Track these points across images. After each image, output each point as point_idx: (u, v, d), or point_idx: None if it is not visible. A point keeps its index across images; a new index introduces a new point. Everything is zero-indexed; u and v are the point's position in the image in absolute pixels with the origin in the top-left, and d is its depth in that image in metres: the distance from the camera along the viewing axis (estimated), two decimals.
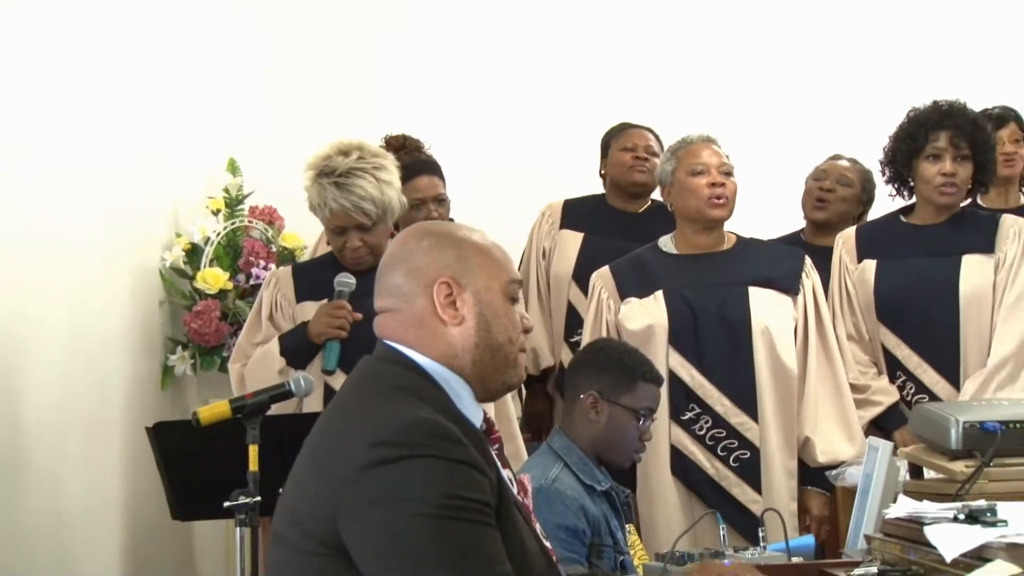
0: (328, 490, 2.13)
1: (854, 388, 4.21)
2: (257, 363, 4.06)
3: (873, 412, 4.19)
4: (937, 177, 4.22)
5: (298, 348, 4.00)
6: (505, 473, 2.30)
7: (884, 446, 3.34)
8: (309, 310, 4.05)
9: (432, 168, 4.82)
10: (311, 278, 4.17)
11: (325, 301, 4.01)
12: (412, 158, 4.85)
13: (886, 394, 4.20)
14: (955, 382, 4.20)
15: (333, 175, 3.95)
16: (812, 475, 4.10)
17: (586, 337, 4.25)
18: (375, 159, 4.02)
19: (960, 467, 3.47)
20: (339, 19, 6.09)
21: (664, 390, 3.77)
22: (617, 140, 5.05)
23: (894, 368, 4.25)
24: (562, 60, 6.28)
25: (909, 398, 4.19)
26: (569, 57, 6.28)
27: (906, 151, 4.27)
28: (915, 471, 3.80)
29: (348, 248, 4.02)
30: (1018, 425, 3.54)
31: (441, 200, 4.71)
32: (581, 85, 6.22)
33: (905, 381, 4.23)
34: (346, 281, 3.99)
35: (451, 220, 4.33)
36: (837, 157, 5.02)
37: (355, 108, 5.88)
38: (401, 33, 6.16)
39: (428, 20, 6.20)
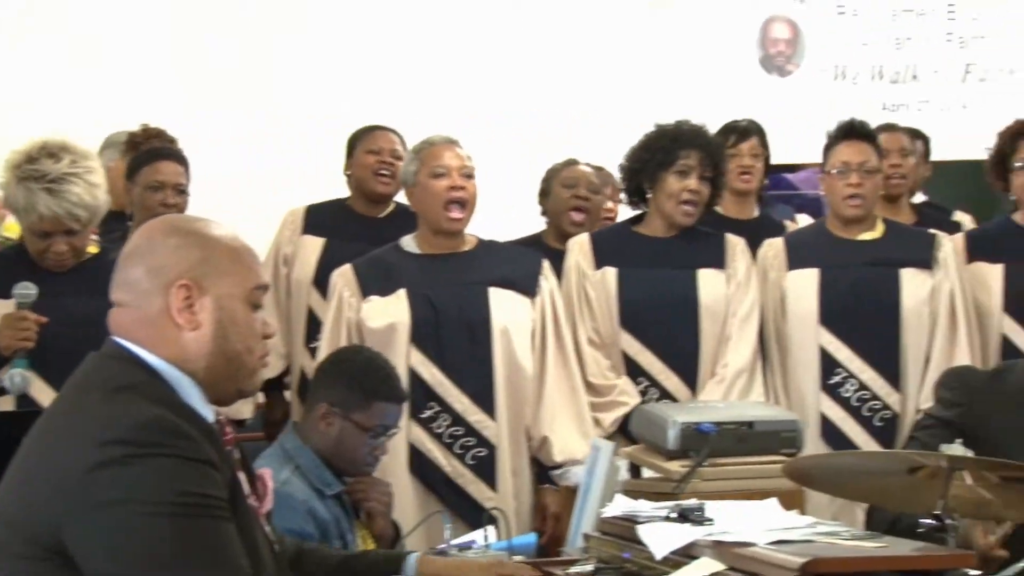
0: (51, 492, 2.07)
1: (597, 390, 4.31)
2: None
3: (619, 412, 4.28)
4: (683, 193, 4.35)
5: None
6: (239, 475, 2.26)
7: (606, 446, 3.40)
8: None
9: (178, 157, 4.77)
10: None
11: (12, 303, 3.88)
12: (161, 144, 4.84)
13: (630, 395, 4.30)
14: (694, 388, 4.35)
15: (44, 180, 3.82)
16: (546, 473, 4.18)
17: (325, 334, 4.23)
18: (86, 163, 3.91)
19: (676, 467, 3.64)
20: None
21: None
22: (363, 142, 5.03)
23: (636, 374, 4.35)
24: (301, 63, 6.35)
25: (652, 401, 4.26)
26: (308, 60, 6.35)
27: (656, 163, 4.38)
28: (636, 470, 4.02)
29: (52, 252, 3.91)
30: (732, 426, 3.78)
31: (181, 190, 4.64)
32: (329, 89, 6.29)
33: (648, 387, 4.33)
34: (25, 293, 3.86)
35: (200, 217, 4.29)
36: (574, 163, 5.10)
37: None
38: None
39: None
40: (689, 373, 4.35)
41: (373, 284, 4.22)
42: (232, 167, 6.08)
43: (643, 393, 4.32)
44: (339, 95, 6.35)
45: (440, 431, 4.12)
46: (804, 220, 5.49)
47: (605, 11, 6.53)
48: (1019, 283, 4.43)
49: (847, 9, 6.73)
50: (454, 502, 4.05)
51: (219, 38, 6.59)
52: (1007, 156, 4.54)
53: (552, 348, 4.24)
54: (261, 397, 4.75)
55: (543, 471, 4.20)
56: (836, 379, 4.38)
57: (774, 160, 5.36)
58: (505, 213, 5.34)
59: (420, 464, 4.12)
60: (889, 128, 5.30)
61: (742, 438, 3.72)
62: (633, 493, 3.28)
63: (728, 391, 4.26)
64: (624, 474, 3.73)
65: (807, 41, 6.71)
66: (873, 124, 5.06)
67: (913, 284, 4.41)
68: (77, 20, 6.61)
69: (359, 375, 3.58)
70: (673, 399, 4.30)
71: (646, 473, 3.86)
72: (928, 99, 6.74)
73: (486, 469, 4.13)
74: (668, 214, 4.42)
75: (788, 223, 5.19)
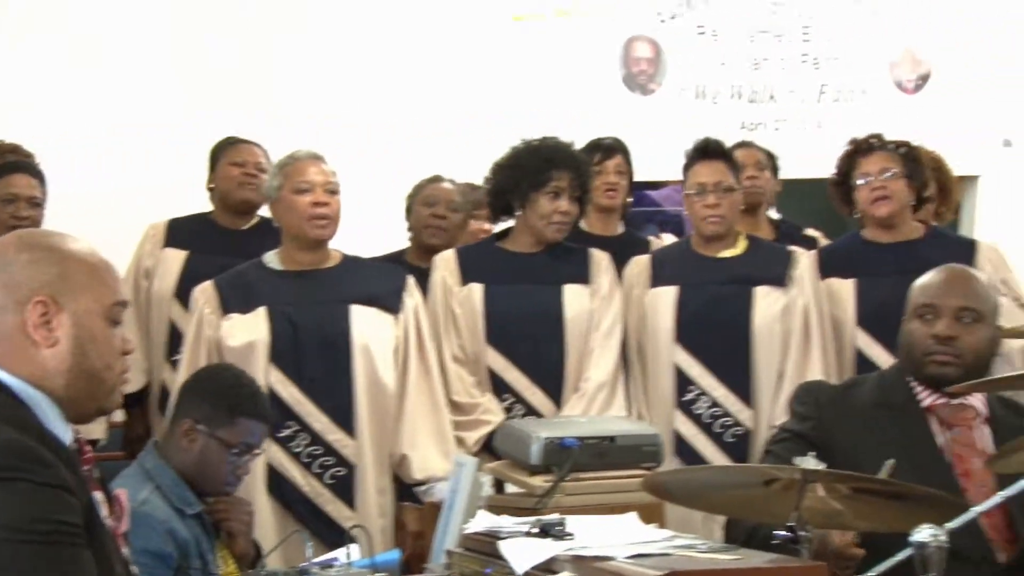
0: None
1: (461, 408, 4.31)
2: None
3: (482, 431, 4.28)
4: (555, 214, 4.39)
5: None
6: (96, 495, 2.24)
7: (469, 462, 3.42)
8: None
9: (32, 171, 4.72)
10: None
11: None
12: (16, 158, 4.76)
13: (494, 413, 4.31)
14: (558, 402, 4.37)
15: None
16: (409, 491, 4.18)
17: (186, 353, 4.19)
18: None
19: (539, 482, 3.65)
20: None
21: None
22: (226, 154, 5.01)
23: (502, 390, 4.36)
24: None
25: (519, 418, 4.29)
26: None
27: (527, 184, 4.40)
28: (500, 486, 4.03)
29: None
30: (594, 441, 3.80)
31: (35, 203, 4.59)
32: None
33: (514, 403, 4.36)
34: None
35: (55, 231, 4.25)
36: (438, 179, 5.11)
37: None
38: None
39: None
40: (554, 388, 4.38)
41: (234, 301, 4.18)
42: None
43: (508, 409, 4.34)
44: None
45: (299, 450, 4.09)
46: (669, 238, 5.56)
47: (470, 27, 6.58)
48: (871, 297, 4.52)
49: (707, 30, 6.85)
50: (312, 522, 4.02)
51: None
52: (848, 175, 4.64)
53: (414, 365, 4.22)
54: (119, 415, 4.68)
55: (404, 489, 4.19)
56: (690, 396, 4.45)
57: (637, 177, 5.41)
58: (373, 229, 5.36)
59: (278, 484, 4.08)
60: (744, 145, 5.41)
61: (604, 453, 3.73)
62: (497, 509, 3.27)
63: (589, 405, 4.29)
64: (488, 490, 3.72)
65: (669, 61, 6.80)
66: (732, 142, 5.19)
67: (766, 302, 4.49)
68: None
69: (225, 392, 3.55)
70: (538, 415, 4.32)
71: (510, 488, 3.86)
72: (785, 118, 6.89)
73: (345, 488, 4.11)
74: (538, 232, 4.44)
75: (654, 240, 5.24)
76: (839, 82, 6.97)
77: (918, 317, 3.45)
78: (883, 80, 7.03)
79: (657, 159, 6.08)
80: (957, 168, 7.04)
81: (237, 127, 6.06)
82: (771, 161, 5.42)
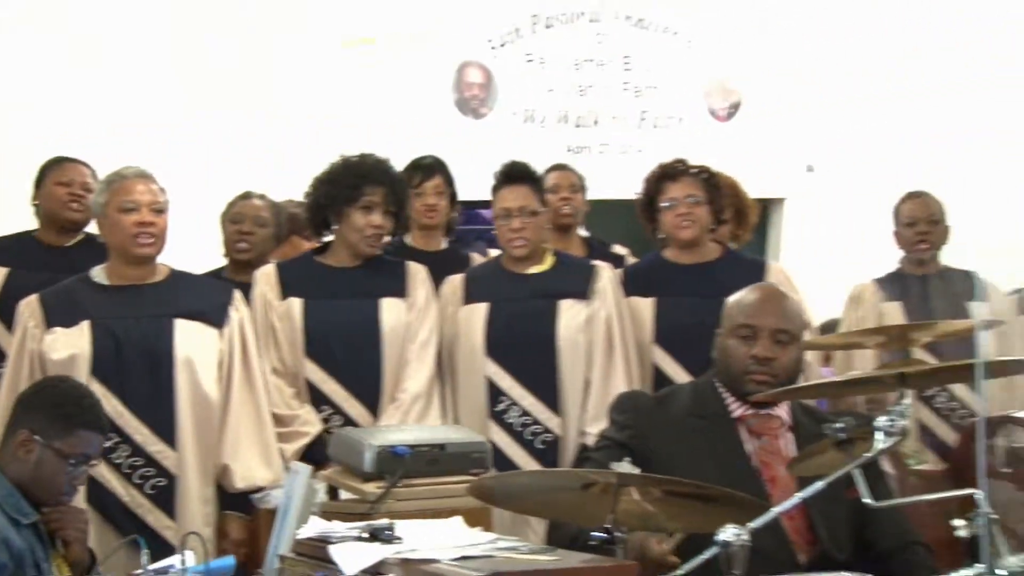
0: None
1: (280, 420, 4.23)
2: None
3: (301, 442, 4.22)
4: (368, 228, 4.33)
5: None
6: None
7: (303, 469, 3.35)
8: None
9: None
10: None
11: None
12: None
13: (312, 424, 4.25)
14: (376, 413, 4.30)
15: None
16: (231, 500, 4.09)
17: (9, 366, 4.08)
18: None
19: (371, 488, 3.64)
20: None
21: None
22: (52, 173, 4.89)
23: (320, 402, 4.30)
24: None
25: (337, 429, 4.18)
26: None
27: (342, 199, 4.35)
28: (335, 493, 3.99)
29: None
30: (425, 448, 3.79)
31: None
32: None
33: (332, 414, 4.29)
34: None
35: None
36: (247, 196, 5.04)
37: None
38: None
39: None
40: (371, 399, 4.33)
41: (58, 315, 4.07)
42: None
43: (326, 420, 4.28)
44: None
45: (119, 461, 3.98)
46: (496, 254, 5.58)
47: (305, 52, 6.53)
48: (668, 316, 4.58)
49: (535, 58, 6.91)
50: (131, 531, 3.85)
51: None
52: (654, 198, 4.69)
53: (238, 378, 4.14)
54: None
55: (227, 499, 4.12)
56: (501, 406, 4.45)
57: (470, 197, 5.42)
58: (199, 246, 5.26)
59: (98, 494, 3.96)
60: (560, 167, 5.43)
61: (434, 460, 3.71)
62: (331, 515, 3.23)
63: (405, 416, 4.25)
64: (322, 496, 3.69)
65: (499, 86, 6.85)
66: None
67: (569, 314, 4.51)
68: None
69: (62, 403, 3.45)
70: (356, 425, 4.26)
71: (344, 495, 3.84)
72: (608, 142, 6.99)
73: (165, 498, 4.01)
74: (353, 246, 4.40)
75: (476, 256, 5.24)
76: (658, 109, 7.09)
77: (737, 336, 3.49)
78: (698, 108, 7.17)
79: (488, 180, 6.08)
80: (764, 191, 7.27)
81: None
82: (582, 182, 5.45)
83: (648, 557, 3.03)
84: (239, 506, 4.11)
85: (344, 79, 6.53)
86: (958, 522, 2.87)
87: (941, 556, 3.27)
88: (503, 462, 4.36)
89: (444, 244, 5.17)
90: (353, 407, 4.31)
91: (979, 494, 2.81)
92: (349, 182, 4.36)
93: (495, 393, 4.46)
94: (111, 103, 6.23)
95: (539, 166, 5.49)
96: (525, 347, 4.47)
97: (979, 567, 2.77)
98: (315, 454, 4.12)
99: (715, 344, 3.58)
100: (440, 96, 6.77)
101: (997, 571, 2.78)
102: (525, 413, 4.45)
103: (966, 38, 7.51)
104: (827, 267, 5.61)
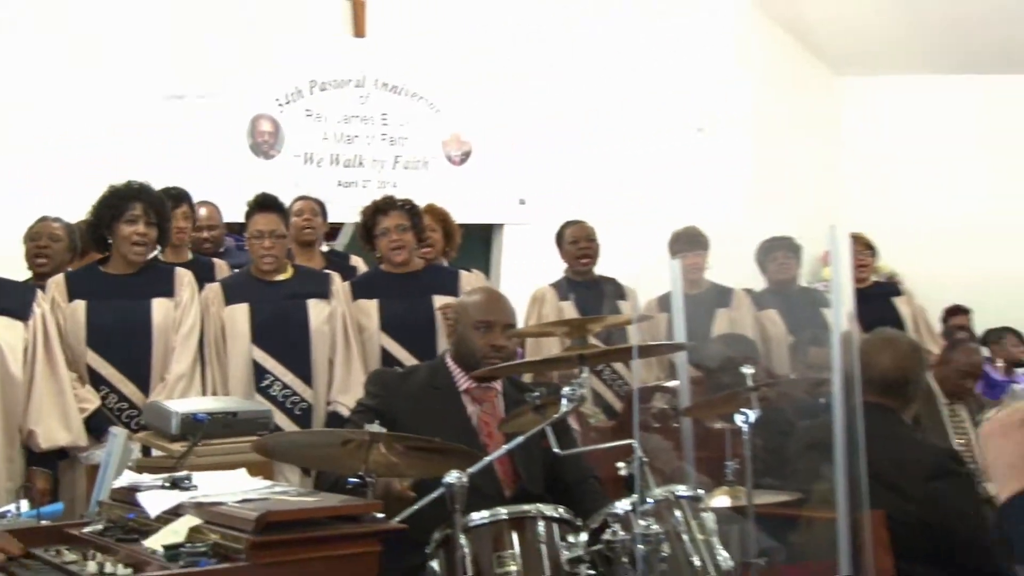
0: None
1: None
2: None
3: (83, 416, 4.01)
4: (134, 235, 4.19)
5: None
6: None
7: (120, 433, 3.26)
8: None
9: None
10: None
11: None
12: None
13: (91, 402, 4.08)
14: (147, 392, 4.17)
15: None
16: (38, 458, 3.93)
17: None
18: None
19: (177, 447, 3.55)
20: None
21: None
22: None
23: (99, 383, 4.14)
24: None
25: (112, 405, 4.13)
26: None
27: (110, 216, 4.21)
28: (147, 451, 3.85)
29: None
30: (221, 415, 3.69)
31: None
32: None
33: (108, 392, 4.13)
34: None
35: None
36: (44, 219, 4.75)
37: None
38: None
39: None
40: (143, 381, 4.18)
41: None
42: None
43: (104, 398, 4.13)
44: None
45: None
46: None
47: (125, 101, 6.19)
48: (389, 312, 4.60)
49: (313, 113, 6.82)
50: None
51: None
52: (371, 227, 4.73)
53: (41, 359, 3.95)
54: None
55: (32, 457, 3.93)
56: (266, 383, 4.39)
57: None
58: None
59: None
60: (303, 198, 5.35)
61: (228, 424, 3.63)
62: (144, 469, 3.13)
63: (171, 392, 4.13)
64: (137, 454, 3.56)
65: (285, 134, 6.72)
66: (331, 196, 5.14)
67: (316, 310, 4.50)
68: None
69: None
70: (130, 402, 4.14)
71: (155, 453, 3.72)
72: (370, 179, 6.93)
73: None
74: (125, 254, 4.24)
75: (219, 263, 5.06)
76: (408, 155, 7.08)
77: (476, 328, 3.51)
78: (438, 155, 7.20)
79: None
80: (489, 219, 7.36)
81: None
82: (322, 208, 5.40)
83: (392, 494, 3.04)
84: (43, 463, 3.94)
85: (160, 127, 6.27)
86: (621, 464, 2.97)
87: (610, 489, 3.35)
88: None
89: (189, 256, 4.99)
90: (127, 387, 4.17)
91: (635, 443, 2.89)
92: (115, 202, 4.22)
93: (261, 372, 4.39)
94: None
95: (319, 196, 5.49)
96: (285, 336, 4.43)
97: (634, 496, 2.85)
98: (94, 424, 4.01)
99: (455, 333, 3.60)
100: (238, 141, 6.58)
101: (647, 498, 2.87)
102: (286, 387, 4.40)
103: (637, 97, 7.76)
104: (535, 277, 5.71)
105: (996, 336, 7.11)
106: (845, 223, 4.16)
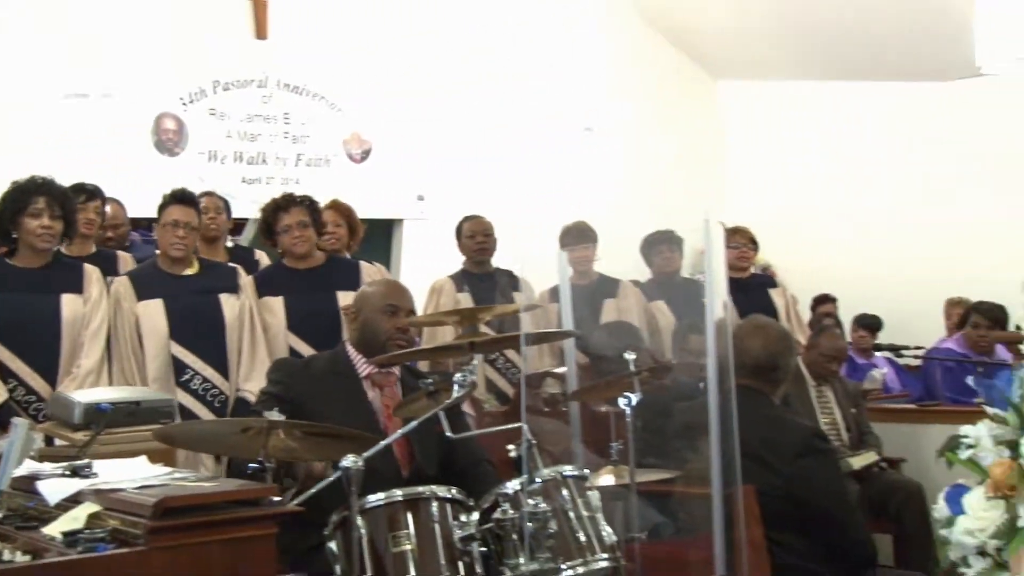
0: None
1: None
2: None
3: None
4: (38, 228, 4.07)
5: None
6: None
7: (22, 423, 3.13)
8: None
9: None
10: None
11: None
12: None
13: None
14: (55, 386, 4.06)
15: None
16: None
17: None
18: None
19: (80, 436, 3.48)
20: None
21: None
22: None
23: (8, 376, 4.02)
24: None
25: (20, 398, 4.03)
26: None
27: (15, 210, 4.08)
28: (50, 441, 3.75)
29: None
30: (124, 405, 3.62)
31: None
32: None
33: (16, 386, 4.03)
34: None
35: None
36: None
37: None
38: None
39: None
40: (51, 375, 4.08)
41: None
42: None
43: (12, 391, 4.02)
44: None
45: None
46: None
47: (28, 100, 5.91)
48: (295, 309, 4.55)
49: (217, 111, 6.68)
50: None
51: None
52: (272, 224, 4.66)
53: None
54: None
55: None
56: (186, 377, 4.32)
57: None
58: None
59: None
60: (209, 194, 5.26)
61: (132, 413, 3.56)
62: (46, 458, 3.02)
63: (80, 385, 4.04)
64: (39, 444, 3.47)
65: (190, 131, 6.57)
66: (235, 192, 5.05)
67: (228, 305, 4.44)
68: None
69: None
70: (38, 395, 4.04)
71: (58, 442, 3.62)
72: (273, 176, 6.83)
73: None
74: (31, 245, 4.11)
75: (123, 255, 4.93)
76: (310, 153, 7.02)
77: (382, 313, 3.50)
78: (339, 152, 7.15)
79: None
80: (388, 214, 7.33)
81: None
82: (226, 205, 5.32)
83: (313, 475, 3.07)
84: None
85: (64, 125, 6.08)
86: (511, 446, 2.99)
87: (501, 470, 3.38)
88: (190, 418, 4.21)
89: (93, 249, 4.86)
90: (35, 381, 4.06)
91: (524, 426, 2.92)
92: (18, 196, 4.10)
93: (180, 367, 4.32)
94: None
95: (223, 192, 5.40)
96: (201, 331, 4.36)
97: (523, 476, 2.88)
98: (1, 416, 3.89)
99: (357, 319, 3.56)
100: (142, 139, 6.42)
101: (535, 478, 2.90)
102: (205, 381, 4.34)
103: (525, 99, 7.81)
104: (433, 270, 5.71)
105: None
106: (724, 218, 4.24)
